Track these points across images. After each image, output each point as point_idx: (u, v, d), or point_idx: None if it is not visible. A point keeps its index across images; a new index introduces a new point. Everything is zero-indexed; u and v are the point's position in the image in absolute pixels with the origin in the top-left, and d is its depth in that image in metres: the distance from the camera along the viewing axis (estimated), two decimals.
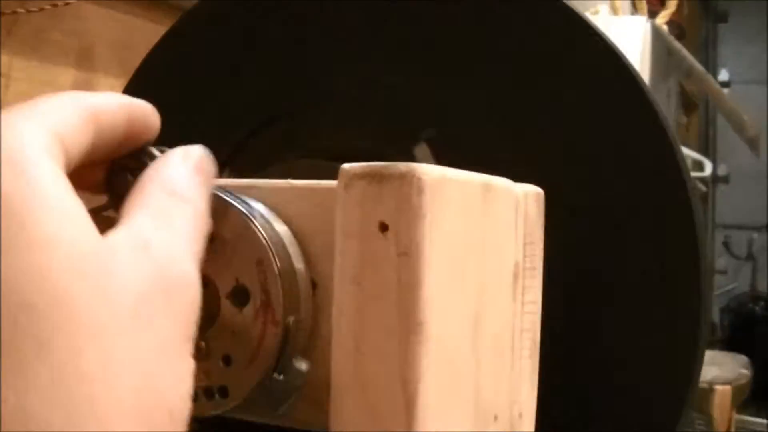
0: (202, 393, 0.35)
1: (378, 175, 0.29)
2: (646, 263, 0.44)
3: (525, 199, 0.38)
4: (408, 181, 0.29)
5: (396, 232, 0.29)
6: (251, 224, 0.37)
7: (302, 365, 0.34)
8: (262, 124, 0.51)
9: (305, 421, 0.38)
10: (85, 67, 0.57)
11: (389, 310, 0.29)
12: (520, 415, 0.39)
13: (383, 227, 0.29)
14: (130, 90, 0.56)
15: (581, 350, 0.44)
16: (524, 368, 0.39)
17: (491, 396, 0.35)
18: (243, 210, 0.38)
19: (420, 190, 0.29)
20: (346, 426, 0.30)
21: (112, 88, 0.57)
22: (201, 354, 0.36)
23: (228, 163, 0.50)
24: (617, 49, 0.45)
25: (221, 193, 0.38)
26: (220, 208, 0.38)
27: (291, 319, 0.35)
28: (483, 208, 0.33)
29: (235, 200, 0.38)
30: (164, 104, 0.55)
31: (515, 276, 0.37)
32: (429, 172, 0.29)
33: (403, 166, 0.29)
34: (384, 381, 0.29)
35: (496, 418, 0.36)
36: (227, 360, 0.35)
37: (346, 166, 0.30)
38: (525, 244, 0.38)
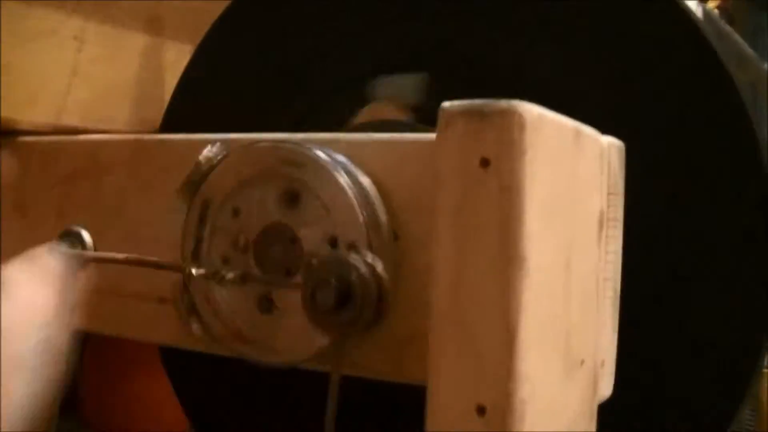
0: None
1: (479, 112, 0.30)
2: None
3: (609, 150, 0.39)
4: (509, 117, 0.29)
5: (497, 166, 0.29)
6: (336, 177, 0.38)
7: None
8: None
9: (381, 371, 0.39)
10: (154, 31, 0.58)
11: (490, 243, 0.29)
12: (603, 363, 0.39)
13: (484, 162, 0.30)
14: (201, 56, 0.56)
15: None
16: (607, 317, 0.40)
17: (579, 340, 0.35)
18: (328, 162, 0.39)
19: (521, 127, 0.29)
20: (444, 358, 0.30)
21: (180, 53, 0.58)
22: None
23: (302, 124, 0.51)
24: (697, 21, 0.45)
25: (307, 146, 0.39)
26: (305, 161, 0.39)
27: (380, 265, 0.36)
28: (574, 152, 0.34)
29: (320, 152, 0.39)
30: (233, 73, 0.56)
31: (600, 224, 0.38)
32: (529, 109, 0.30)
33: (504, 103, 0.30)
34: (484, 313, 0.29)
35: (582, 362, 0.36)
36: None
37: (446, 104, 0.31)
38: (609, 194, 0.39)
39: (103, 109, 0.54)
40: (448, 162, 0.30)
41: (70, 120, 0.52)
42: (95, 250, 0.47)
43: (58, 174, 0.48)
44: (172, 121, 0.56)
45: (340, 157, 0.39)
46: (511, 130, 0.29)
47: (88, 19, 0.54)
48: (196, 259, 0.42)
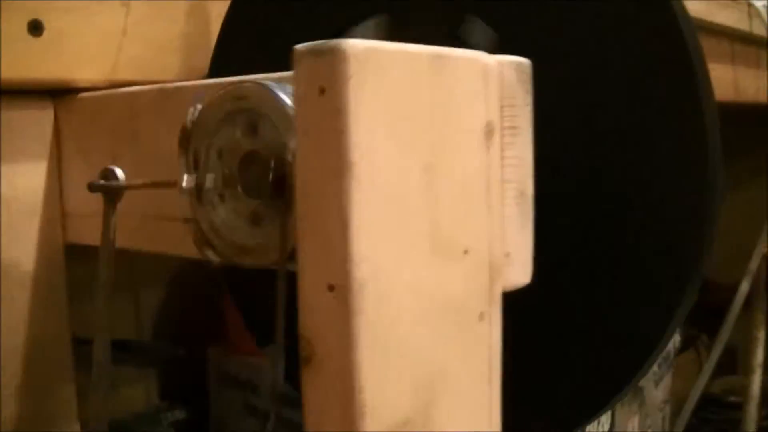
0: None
1: (318, 51, 0.37)
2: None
3: (500, 67, 0.45)
4: (336, 53, 0.37)
5: (330, 93, 0.37)
6: (279, 101, 0.46)
7: None
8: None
9: None
10: None
11: (329, 154, 0.37)
12: (508, 255, 0.46)
13: (321, 90, 0.37)
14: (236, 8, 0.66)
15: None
16: (511, 215, 0.46)
17: (454, 231, 0.42)
18: (277, 93, 0.47)
19: (345, 60, 0.37)
20: (305, 246, 0.38)
21: (224, 7, 0.67)
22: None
23: None
24: None
25: (258, 82, 0.48)
26: (256, 93, 0.47)
27: None
28: (430, 74, 0.40)
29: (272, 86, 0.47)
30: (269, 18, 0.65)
31: (488, 133, 0.44)
32: (354, 45, 0.37)
33: (334, 42, 0.37)
34: (328, 209, 0.37)
35: (466, 252, 0.43)
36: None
37: (298, 46, 0.38)
38: (502, 107, 0.45)
39: (154, 63, 0.65)
40: (299, 91, 0.38)
41: (125, 75, 0.63)
42: None
43: (107, 122, 0.60)
44: (218, 67, 0.67)
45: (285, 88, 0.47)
46: (337, 63, 0.37)
47: None
48: (199, 198, 0.52)
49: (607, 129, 0.52)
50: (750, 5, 1.21)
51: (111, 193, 0.55)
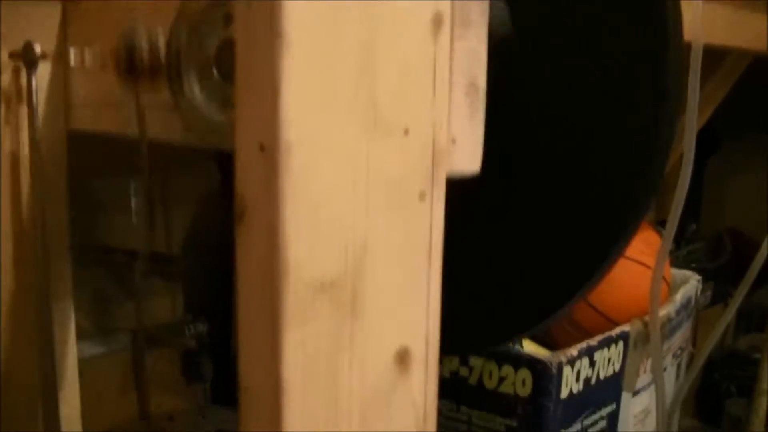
0: None
1: None
2: None
3: None
4: None
5: None
6: None
7: None
8: None
9: None
10: None
11: (264, 23, 0.40)
12: (454, 141, 0.48)
13: None
14: None
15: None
16: (459, 103, 0.48)
17: (394, 111, 0.44)
18: None
19: None
20: (241, 109, 0.41)
21: None
22: None
23: None
24: None
25: None
26: None
27: None
28: None
29: None
30: None
31: (436, 23, 0.46)
32: None
33: None
34: (262, 77, 0.40)
35: (407, 132, 0.45)
36: None
37: None
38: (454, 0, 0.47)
39: None
40: None
41: None
42: None
43: (109, 20, 0.63)
44: None
45: None
46: None
47: None
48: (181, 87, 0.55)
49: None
50: None
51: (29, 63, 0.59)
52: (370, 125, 0.43)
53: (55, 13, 0.65)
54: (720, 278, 1.52)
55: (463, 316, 0.50)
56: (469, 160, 0.49)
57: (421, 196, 0.46)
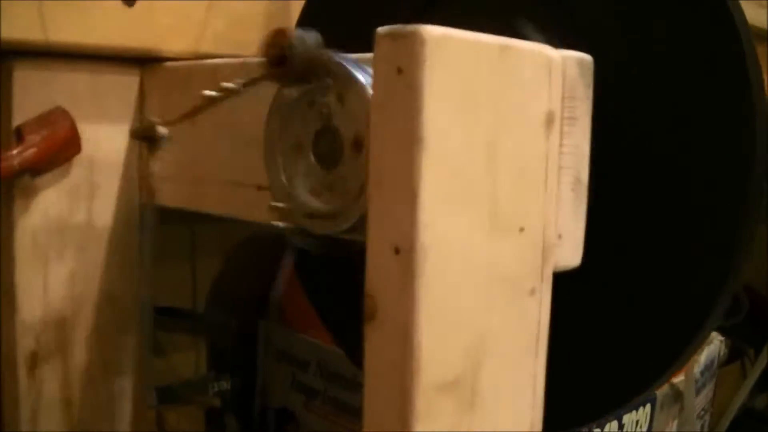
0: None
1: (397, 33, 0.41)
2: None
3: (563, 62, 0.48)
4: (414, 36, 0.40)
5: (406, 73, 0.40)
6: (356, 78, 0.49)
7: None
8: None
9: None
10: None
11: (401, 128, 0.40)
12: (560, 237, 0.49)
13: (399, 71, 0.41)
14: None
15: None
16: (566, 199, 0.49)
17: (512, 209, 0.45)
18: (361, 78, 0.50)
19: (422, 43, 0.40)
20: (374, 213, 0.42)
21: None
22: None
23: None
24: None
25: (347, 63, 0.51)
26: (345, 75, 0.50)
27: None
28: (498, 63, 0.44)
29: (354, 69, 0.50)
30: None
31: (548, 122, 0.47)
32: (431, 30, 0.40)
33: (412, 26, 0.40)
34: (397, 179, 0.41)
35: (522, 230, 0.46)
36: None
37: (380, 29, 0.42)
38: (563, 98, 0.48)
39: (237, 38, 0.69)
40: (378, 70, 0.42)
41: (208, 48, 0.67)
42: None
43: (190, 90, 0.64)
44: None
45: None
46: (415, 46, 0.40)
47: None
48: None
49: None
50: None
51: (151, 140, 0.59)
52: (491, 224, 0.44)
53: (133, 83, 0.66)
54: (736, 335, 1.53)
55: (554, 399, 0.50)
56: (572, 254, 0.50)
57: (532, 292, 0.47)
